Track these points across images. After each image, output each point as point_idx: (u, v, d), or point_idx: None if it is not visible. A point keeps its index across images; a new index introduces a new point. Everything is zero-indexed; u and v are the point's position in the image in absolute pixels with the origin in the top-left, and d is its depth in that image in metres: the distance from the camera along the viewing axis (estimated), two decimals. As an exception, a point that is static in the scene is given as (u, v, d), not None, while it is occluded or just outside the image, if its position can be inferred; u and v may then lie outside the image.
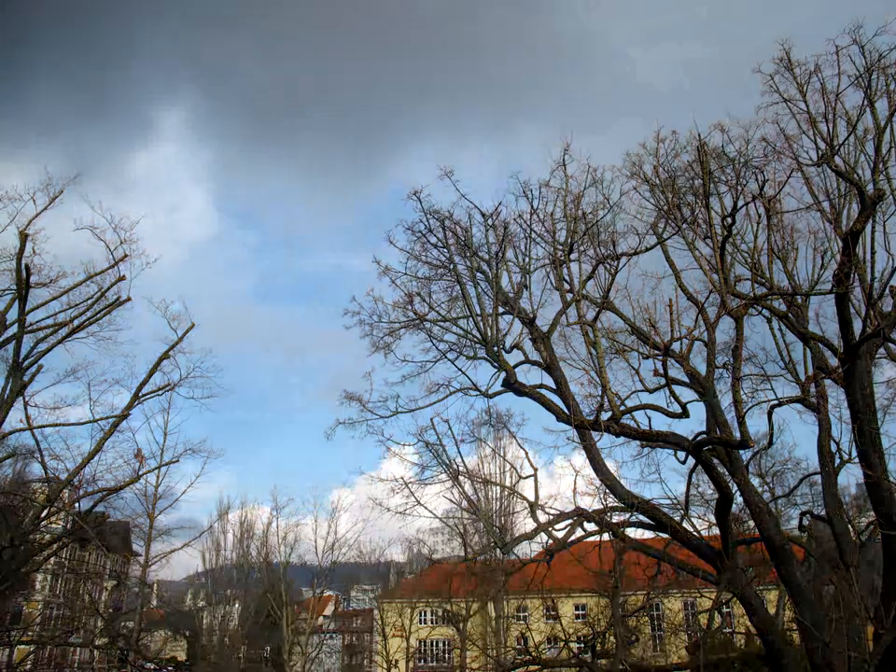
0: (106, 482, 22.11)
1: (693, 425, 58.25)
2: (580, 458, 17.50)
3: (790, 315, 17.26)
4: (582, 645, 18.70)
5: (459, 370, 16.85)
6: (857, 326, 15.50)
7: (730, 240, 16.39)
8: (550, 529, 15.52)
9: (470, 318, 16.71)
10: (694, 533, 16.65)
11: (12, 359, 19.62)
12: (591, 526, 15.67)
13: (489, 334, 16.20)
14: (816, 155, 15.97)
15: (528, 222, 17.05)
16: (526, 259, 17.20)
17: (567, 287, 16.76)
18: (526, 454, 18.00)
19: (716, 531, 16.39)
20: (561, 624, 23.34)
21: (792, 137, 16.27)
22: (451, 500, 19.06)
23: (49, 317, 20.49)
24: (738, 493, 16.13)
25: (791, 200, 17.49)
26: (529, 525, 20.02)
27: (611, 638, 16.89)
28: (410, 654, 48.14)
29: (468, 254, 17.13)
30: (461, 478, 18.01)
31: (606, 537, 16.22)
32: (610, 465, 16.09)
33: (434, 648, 52.71)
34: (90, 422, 21.30)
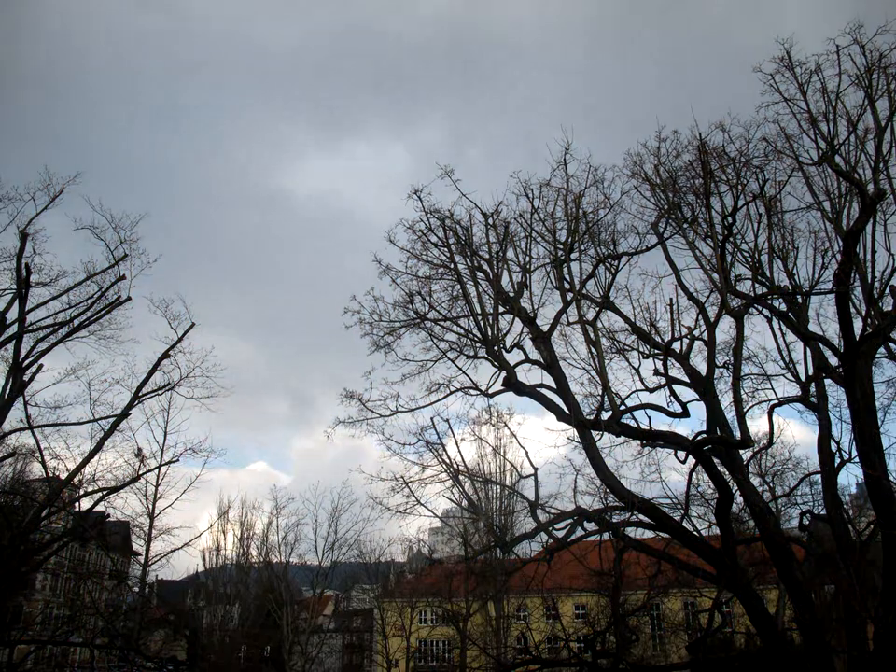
0: (106, 481, 22.14)
1: (694, 424, 58.16)
2: (580, 458, 17.48)
3: (790, 314, 17.25)
4: (582, 645, 18.68)
5: (459, 369, 16.87)
6: (857, 325, 15.51)
7: (730, 239, 16.38)
8: (550, 529, 15.52)
9: (471, 317, 16.71)
10: (694, 533, 16.65)
11: (12, 359, 19.61)
12: (591, 526, 15.66)
13: (489, 333, 16.19)
14: (816, 154, 15.97)
15: (529, 221, 17.05)
16: (527, 259, 17.20)
17: (567, 286, 16.74)
18: (526, 453, 18.02)
19: (716, 531, 16.38)
20: (561, 624, 23.33)
21: (793, 137, 16.29)
22: (451, 500, 19.07)
23: (49, 317, 20.50)
24: (738, 492, 16.13)
25: (791, 199, 17.52)
26: (529, 524, 20.07)
27: (611, 638, 16.87)
28: (410, 654, 48.12)
29: (468, 253, 17.12)
30: (461, 477, 18.00)
31: (606, 536, 16.22)
32: (610, 464, 16.09)
33: (434, 647, 52.67)
34: (90, 421, 21.33)
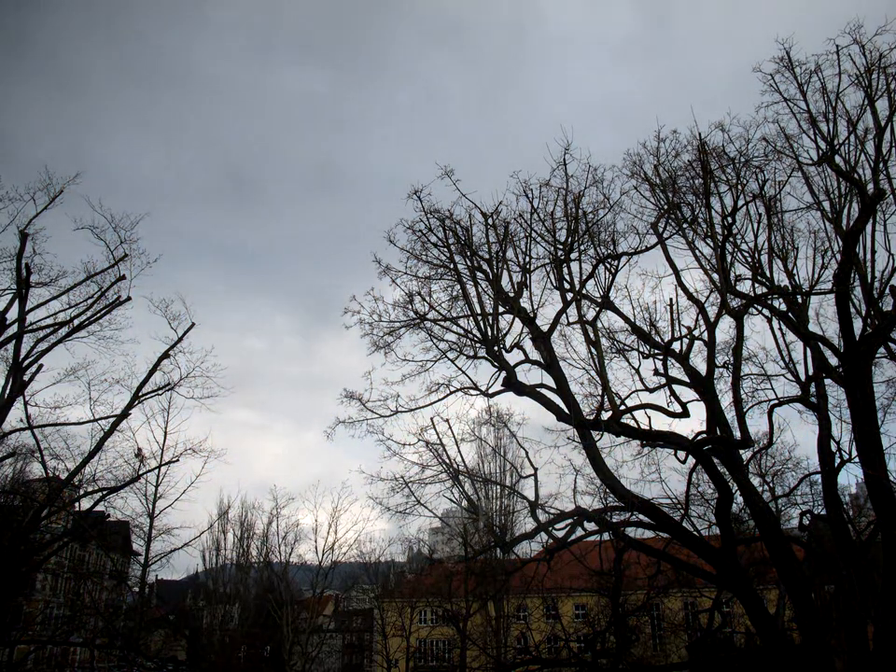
0: (106, 481, 22.14)
1: (694, 424, 58.18)
2: (580, 458, 17.48)
3: (790, 314, 17.25)
4: (582, 645, 18.69)
5: (459, 369, 16.86)
6: (857, 325, 15.52)
7: (730, 239, 16.38)
8: (550, 529, 15.52)
9: (471, 318, 16.70)
10: (694, 533, 16.64)
11: (12, 359, 19.61)
12: (591, 526, 15.66)
13: (489, 333, 16.18)
14: (816, 154, 15.99)
15: (529, 221, 17.03)
16: (527, 259, 17.19)
17: (567, 286, 16.74)
18: (526, 453, 18.04)
19: (716, 531, 16.38)
20: (561, 624, 23.35)
21: (793, 137, 16.31)
22: (451, 500, 19.09)
23: (49, 317, 20.49)
24: (738, 492, 16.13)
25: (791, 199, 17.55)
26: (529, 524, 20.09)
27: (611, 638, 16.87)
28: (410, 654, 48.09)
29: (468, 253, 17.11)
30: (461, 477, 18.01)
31: (606, 536, 16.22)
32: (610, 464, 16.08)
33: (434, 647, 52.64)
34: (90, 421, 21.32)
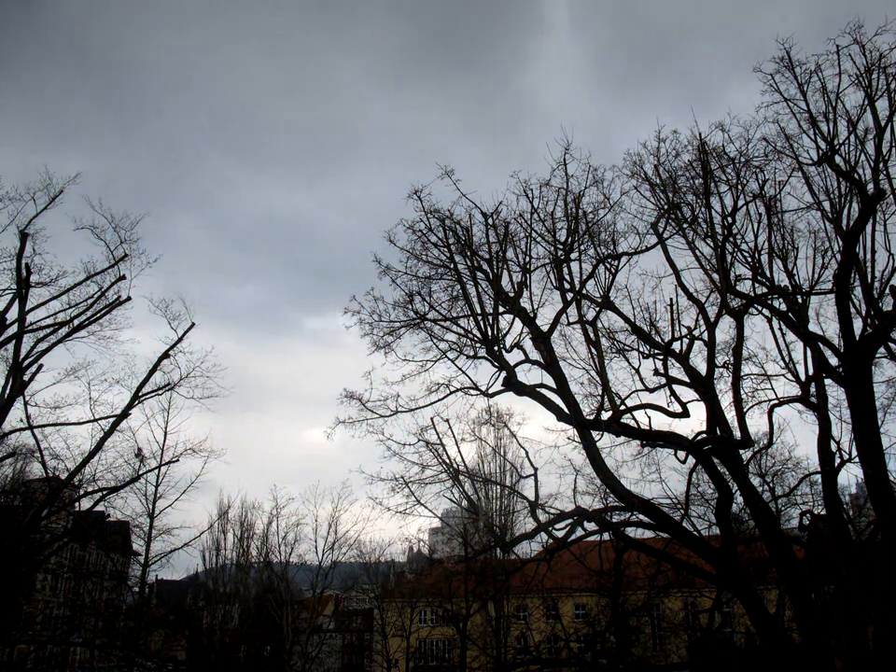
0: (106, 481, 22.14)
1: (694, 424, 58.25)
2: (580, 458, 17.49)
3: (790, 314, 17.25)
4: (582, 645, 18.70)
5: (459, 369, 16.86)
6: (857, 325, 15.53)
7: (730, 239, 16.39)
8: (550, 529, 15.53)
9: (471, 318, 16.70)
10: (694, 533, 16.64)
11: (12, 359, 19.61)
12: (591, 526, 15.67)
13: (490, 333, 16.19)
14: (816, 154, 15.99)
15: (529, 221, 17.03)
16: (527, 259, 17.19)
17: (567, 286, 16.74)
18: (526, 453, 18.02)
19: (716, 531, 16.38)
20: (561, 624, 23.38)
21: (793, 137, 16.32)
22: (451, 500, 19.11)
23: (49, 317, 20.48)
24: (738, 492, 16.13)
25: (791, 199, 17.55)
26: (529, 524, 20.11)
27: (611, 638, 16.88)
28: (410, 654, 48.09)
29: (468, 253, 17.11)
30: (461, 477, 18.03)
31: (606, 536, 16.23)
32: (610, 464, 16.08)
33: (434, 647, 52.64)
34: (90, 421, 21.32)
